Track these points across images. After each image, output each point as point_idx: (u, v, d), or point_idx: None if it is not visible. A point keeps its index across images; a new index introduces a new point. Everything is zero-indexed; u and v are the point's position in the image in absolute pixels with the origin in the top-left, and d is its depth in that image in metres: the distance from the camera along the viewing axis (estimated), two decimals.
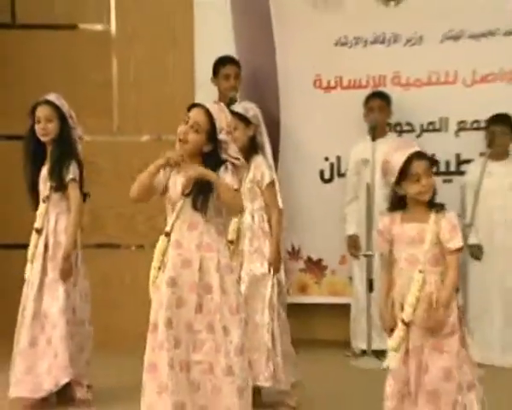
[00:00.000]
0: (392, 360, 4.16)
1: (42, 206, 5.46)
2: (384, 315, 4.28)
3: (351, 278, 6.88)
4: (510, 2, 6.88)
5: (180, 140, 4.10)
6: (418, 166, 4.16)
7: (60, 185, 5.38)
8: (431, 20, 6.79)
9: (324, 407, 5.40)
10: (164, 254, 4.25)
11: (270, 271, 5.39)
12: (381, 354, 6.27)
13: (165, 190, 4.23)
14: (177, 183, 4.16)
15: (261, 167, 5.37)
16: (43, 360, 5.37)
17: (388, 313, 4.26)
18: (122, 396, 5.41)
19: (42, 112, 5.41)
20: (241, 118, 5.37)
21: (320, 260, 6.96)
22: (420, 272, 4.14)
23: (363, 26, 6.89)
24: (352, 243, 6.71)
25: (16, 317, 5.58)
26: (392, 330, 4.21)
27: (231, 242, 5.19)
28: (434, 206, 4.27)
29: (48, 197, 5.44)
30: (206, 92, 6.61)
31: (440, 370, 4.13)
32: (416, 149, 4.32)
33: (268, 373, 5.16)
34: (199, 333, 4.20)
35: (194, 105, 4.21)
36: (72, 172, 5.38)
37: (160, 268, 4.24)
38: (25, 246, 5.49)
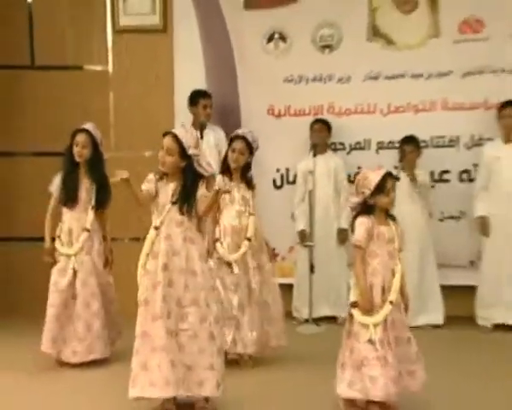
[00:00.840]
0: (375, 333, 4.36)
1: (91, 213, 5.68)
2: (368, 298, 4.43)
3: (295, 263, 7.23)
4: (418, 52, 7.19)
5: (161, 163, 4.47)
6: (390, 183, 4.51)
7: (108, 201, 5.75)
8: (356, 64, 7.24)
9: (277, 360, 5.61)
10: (153, 243, 4.54)
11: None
12: (318, 321, 6.86)
13: (155, 196, 4.52)
14: (167, 192, 4.50)
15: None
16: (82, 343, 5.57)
17: (369, 294, 4.47)
18: (119, 356, 5.57)
19: (80, 138, 5.68)
20: (248, 143, 5.70)
21: (273, 250, 7.02)
22: (398, 265, 4.49)
23: (304, 67, 7.30)
24: (302, 237, 7.04)
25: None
26: (369, 309, 4.43)
27: (249, 239, 5.56)
28: (389, 215, 4.64)
29: (91, 209, 5.67)
30: (183, 117, 6.96)
31: (405, 337, 4.46)
32: (387, 170, 4.67)
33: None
34: (186, 307, 4.47)
35: (165, 133, 4.54)
36: (108, 196, 5.77)
37: (148, 255, 4.52)
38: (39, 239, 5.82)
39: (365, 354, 4.31)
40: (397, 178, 4.66)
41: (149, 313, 4.42)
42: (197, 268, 4.51)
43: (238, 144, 5.66)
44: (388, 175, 4.51)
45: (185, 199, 4.47)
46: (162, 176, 4.53)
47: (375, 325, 4.32)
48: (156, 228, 4.49)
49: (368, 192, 4.47)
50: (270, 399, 4.86)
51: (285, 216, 7.23)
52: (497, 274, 6.78)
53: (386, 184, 4.46)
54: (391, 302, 4.35)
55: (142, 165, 6.90)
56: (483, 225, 6.86)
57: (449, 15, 7.17)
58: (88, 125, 5.78)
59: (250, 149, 5.71)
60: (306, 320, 6.87)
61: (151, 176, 4.59)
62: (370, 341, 4.31)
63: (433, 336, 6.54)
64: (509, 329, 6.67)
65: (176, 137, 4.41)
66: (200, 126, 6.65)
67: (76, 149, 5.63)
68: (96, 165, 5.76)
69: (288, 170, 7.40)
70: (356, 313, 4.42)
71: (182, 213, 4.46)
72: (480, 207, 6.88)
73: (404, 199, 6.55)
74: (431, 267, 6.91)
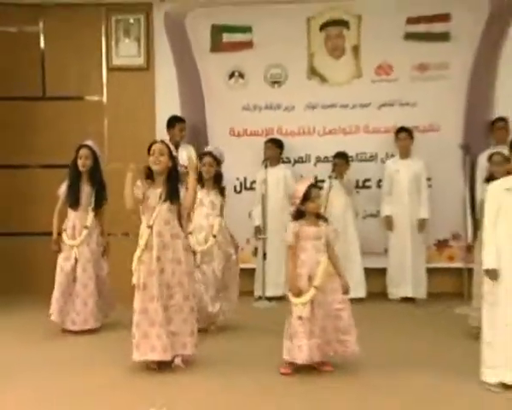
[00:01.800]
0: (303, 311, 4.57)
1: (91, 213, 5.91)
2: (295, 284, 4.63)
3: (253, 253, 7.50)
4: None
5: (156, 163, 4.68)
6: (314, 192, 4.74)
7: (104, 202, 6.03)
8: (298, 97, 7.60)
9: (237, 328, 5.86)
10: (147, 239, 4.71)
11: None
12: (271, 299, 7.00)
13: (142, 200, 4.73)
14: (156, 196, 4.71)
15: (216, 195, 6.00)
16: (80, 314, 5.79)
17: (297, 281, 4.65)
18: (116, 327, 5.87)
19: (83, 152, 5.93)
20: (215, 158, 5.92)
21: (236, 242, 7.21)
22: (324, 257, 4.65)
23: (258, 98, 7.65)
24: (258, 231, 7.29)
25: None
26: (299, 293, 4.62)
27: (214, 236, 5.76)
28: (320, 217, 4.82)
29: (89, 209, 5.90)
30: (163, 137, 6.55)
31: (333, 314, 4.65)
32: (312, 181, 4.98)
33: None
34: (173, 288, 4.72)
35: (154, 142, 4.81)
36: (104, 198, 6.03)
37: (143, 250, 4.70)
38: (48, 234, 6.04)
39: (295, 328, 4.57)
40: (320, 188, 4.95)
41: (147, 295, 4.67)
42: (182, 258, 4.77)
43: (207, 159, 5.87)
44: (312, 185, 4.80)
45: (173, 192, 4.72)
46: (149, 180, 4.75)
47: (303, 305, 4.57)
48: (149, 226, 4.70)
49: (298, 201, 4.75)
50: (230, 356, 5.07)
51: (244, 215, 7.45)
52: (401, 259, 7.12)
53: (310, 192, 4.72)
54: (315, 287, 4.59)
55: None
56: (388, 223, 7.24)
57: (368, 61, 7.55)
58: (89, 142, 6.03)
59: (217, 161, 5.94)
60: (260, 297, 7.09)
61: (139, 183, 4.78)
62: (300, 317, 4.57)
63: (357, 307, 6.69)
64: (412, 301, 7.05)
65: (164, 143, 4.82)
66: (175, 144, 6.56)
67: (80, 161, 5.88)
68: (95, 173, 5.97)
69: (245, 178, 7.66)
70: (289, 295, 4.67)
71: (172, 203, 4.70)
72: (385, 208, 7.26)
73: (335, 201, 7.03)
74: (356, 254, 7.20)
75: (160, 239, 4.71)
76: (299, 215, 4.78)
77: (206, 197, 5.90)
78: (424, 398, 4.15)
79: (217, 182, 5.95)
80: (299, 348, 4.54)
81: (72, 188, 5.91)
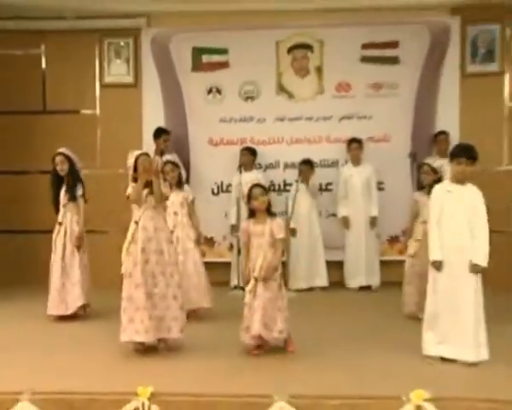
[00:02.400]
0: (248, 298, 4.75)
1: (62, 209, 6.00)
2: (246, 275, 4.84)
3: (229, 248, 7.60)
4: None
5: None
6: (255, 191, 4.78)
7: (73, 198, 6.01)
8: (269, 110, 7.74)
9: (214, 313, 5.89)
10: (134, 233, 4.80)
11: (195, 245, 5.99)
12: (244, 289, 6.73)
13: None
14: (144, 194, 4.81)
15: (187, 192, 6.08)
16: (70, 294, 5.95)
17: (247, 273, 4.81)
18: (108, 313, 5.84)
19: (58, 159, 6.03)
20: (175, 164, 6.08)
21: (212, 238, 7.68)
22: (265, 251, 4.69)
23: (233, 112, 7.79)
24: (233, 229, 7.32)
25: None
26: (247, 282, 4.80)
27: (172, 231, 5.59)
28: (270, 214, 4.84)
29: (65, 205, 6.01)
30: (149, 147, 7.05)
31: (267, 299, 4.71)
32: (254, 182, 4.95)
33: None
34: (157, 277, 4.78)
35: (142, 154, 4.85)
36: (79, 191, 6.03)
37: (131, 242, 4.79)
38: (48, 231, 6.16)
39: (245, 312, 4.73)
40: (263, 187, 4.83)
41: (133, 282, 4.74)
42: (164, 249, 4.84)
43: (168, 167, 5.96)
44: (254, 186, 4.85)
45: (158, 192, 4.82)
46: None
47: (249, 292, 4.72)
48: (136, 222, 4.81)
49: (245, 200, 4.91)
50: (210, 340, 5.17)
51: (221, 214, 7.60)
52: (356, 253, 7.34)
53: (252, 192, 4.80)
54: (254, 278, 4.69)
55: (119, 178, 7.13)
56: (345, 222, 7.42)
57: (329, 80, 7.75)
58: (62, 149, 6.07)
59: (177, 166, 6.07)
60: (236, 287, 7.15)
61: (133, 184, 4.85)
62: (245, 303, 4.74)
63: (321, 294, 7.16)
64: (367, 289, 7.28)
65: (147, 154, 4.93)
66: (160, 152, 6.98)
67: (58, 167, 5.99)
68: (73, 174, 6.01)
69: (222, 182, 7.75)
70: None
71: (156, 200, 4.80)
72: (341, 210, 7.44)
73: (302, 202, 7.23)
74: (320, 248, 7.40)
75: (145, 233, 4.78)
76: (250, 214, 4.86)
77: (174, 197, 5.93)
78: (374, 372, 4.31)
79: (178, 185, 6.04)
80: (248, 328, 4.68)
81: (52, 193, 6.07)
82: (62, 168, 6.01)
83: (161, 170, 5.55)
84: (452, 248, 4.51)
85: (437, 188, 4.72)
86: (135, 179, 4.84)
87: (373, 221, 7.33)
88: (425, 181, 5.85)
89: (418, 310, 5.58)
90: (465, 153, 4.58)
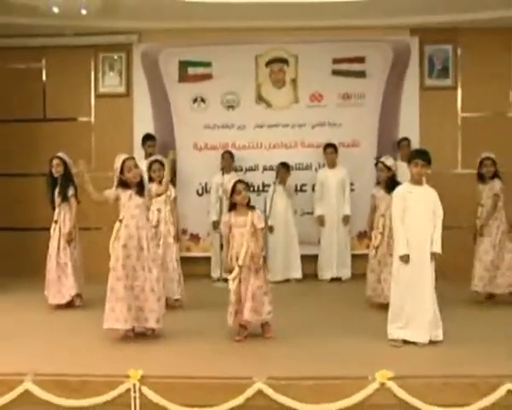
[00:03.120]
0: (232, 285, 4.76)
1: (57, 209, 6.04)
2: (228, 263, 4.84)
3: (211, 243, 7.54)
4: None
5: (134, 177, 4.75)
6: (239, 186, 4.81)
7: (65, 198, 6.02)
8: (249, 118, 7.72)
9: (198, 302, 5.97)
10: (118, 231, 4.81)
11: (174, 240, 5.96)
12: (225, 281, 6.58)
13: (115, 200, 4.84)
14: (127, 196, 4.78)
15: (171, 190, 5.99)
16: (65, 285, 6.00)
17: (229, 261, 4.80)
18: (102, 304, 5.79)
19: (54, 162, 6.04)
20: (162, 163, 5.84)
21: (197, 234, 7.71)
22: (247, 241, 4.73)
23: (216, 119, 7.76)
24: (215, 225, 7.26)
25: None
26: (230, 271, 4.79)
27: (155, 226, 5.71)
28: (250, 207, 4.86)
29: (60, 205, 6.03)
30: (139, 151, 7.26)
31: (256, 287, 4.75)
32: (238, 179, 5.01)
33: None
34: (138, 271, 4.78)
35: (128, 158, 4.81)
36: (70, 191, 6.01)
37: (115, 239, 4.80)
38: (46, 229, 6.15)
39: (230, 297, 4.74)
40: (245, 183, 4.88)
41: (115, 276, 4.74)
42: (144, 246, 4.81)
43: (155, 166, 5.87)
44: (238, 181, 4.88)
45: (140, 192, 4.80)
46: (122, 186, 4.81)
47: (233, 280, 4.74)
48: (120, 221, 4.82)
49: (228, 195, 4.92)
50: (194, 327, 5.15)
51: (205, 213, 7.54)
52: (329, 248, 7.37)
53: (236, 187, 4.82)
54: (239, 266, 4.71)
55: (110, 180, 6.96)
56: (320, 221, 7.45)
57: (303, 90, 7.80)
58: (60, 153, 6.08)
59: (163, 165, 5.79)
60: (218, 279, 7.13)
61: (113, 189, 4.86)
62: (230, 290, 4.76)
63: (296, 285, 7.19)
64: (338, 280, 7.32)
65: (133, 158, 4.93)
66: (148, 156, 6.82)
67: (53, 169, 6.00)
68: (66, 177, 6.02)
69: (206, 183, 7.72)
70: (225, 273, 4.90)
71: (142, 196, 4.79)
72: (318, 210, 7.46)
73: (278, 202, 7.25)
74: (295, 243, 7.41)
75: (127, 230, 4.77)
76: (232, 207, 4.87)
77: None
78: (344, 355, 4.36)
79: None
80: (230, 314, 4.73)
81: (48, 193, 6.07)
82: (57, 170, 6.02)
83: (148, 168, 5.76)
84: (414, 243, 4.61)
85: (399, 190, 4.81)
86: (121, 181, 4.83)
87: (346, 219, 7.38)
88: (380, 177, 5.93)
89: (375, 296, 5.78)
90: (420, 156, 4.73)
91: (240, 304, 4.73)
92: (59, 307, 5.90)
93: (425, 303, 4.55)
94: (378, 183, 6.05)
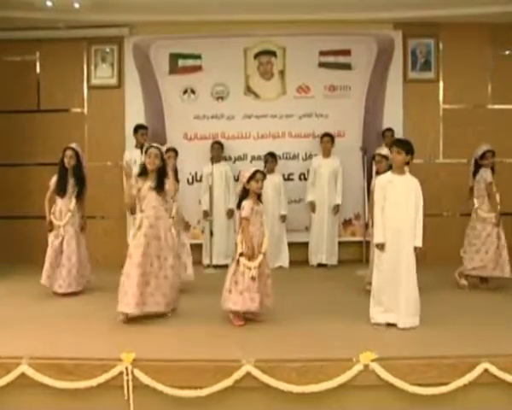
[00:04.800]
0: (254, 272, 4.65)
1: (73, 200, 5.93)
2: (251, 249, 4.65)
3: (202, 231, 7.55)
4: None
5: (153, 163, 4.84)
6: (259, 176, 4.70)
7: (81, 194, 6.00)
8: (237, 109, 7.73)
9: (190, 287, 5.87)
10: (141, 222, 4.89)
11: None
12: (217, 267, 7.02)
13: (138, 193, 4.93)
14: (146, 187, 4.88)
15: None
16: (63, 279, 5.80)
17: (248, 249, 4.64)
18: (97, 290, 5.96)
19: (68, 152, 5.94)
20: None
21: (188, 222, 7.48)
22: (266, 229, 4.77)
23: (206, 110, 7.73)
24: (205, 213, 7.33)
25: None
26: (252, 256, 4.65)
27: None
28: (259, 198, 4.81)
29: (71, 196, 5.92)
30: (131, 141, 7.35)
31: (267, 274, 4.77)
32: (257, 168, 4.86)
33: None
34: (153, 259, 4.87)
35: (150, 147, 4.92)
36: (83, 187, 6.02)
37: (138, 228, 4.88)
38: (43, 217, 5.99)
39: (248, 285, 4.64)
40: (264, 174, 4.79)
41: (133, 263, 4.80)
42: (162, 235, 4.93)
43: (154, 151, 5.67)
44: (258, 171, 4.77)
45: (162, 185, 4.91)
46: (143, 175, 4.90)
47: (255, 268, 4.67)
48: (142, 211, 4.91)
49: (244, 180, 4.72)
50: (189, 311, 5.14)
51: (195, 201, 7.52)
52: (319, 234, 7.41)
53: (256, 175, 4.72)
54: (263, 253, 4.72)
55: (105, 170, 7.59)
56: (312, 206, 7.46)
57: (291, 82, 7.79)
58: (73, 144, 6.04)
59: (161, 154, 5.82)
60: (208, 265, 7.20)
61: (133, 181, 4.98)
62: (253, 277, 4.64)
63: (284, 271, 7.21)
64: (324, 266, 7.33)
65: (159, 149, 4.98)
66: (140, 146, 6.95)
67: (66, 160, 5.93)
68: (78, 169, 5.99)
69: (196, 173, 7.71)
70: (242, 259, 4.67)
71: (159, 194, 4.88)
72: (309, 196, 7.48)
73: (268, 191, 7.16)
74: (283, 231, 7.47)
75: (148, 220, 4.87)
76: (244, 194, 4.77)
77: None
78: (329, 338, 4.39)
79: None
80: (252, 300, 4.64)
81: (60, 181, 5.95)
82: (70, 162, 5.93)
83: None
84: (394, 231, 4.62)
85: (380, 179, 4.83)
86: (144, 168, 4.88)
87: (336, 208, 7.40)
88: (380, 168, 5.88)
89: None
90: (395, 143, 4.80)
91: (259, 292, 4.67)
92: (55, 293, 5.81)
93: (403, 290, 4.55)
94: (377, 173, 5.93)
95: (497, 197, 5.94)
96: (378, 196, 4.70)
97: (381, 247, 4.62)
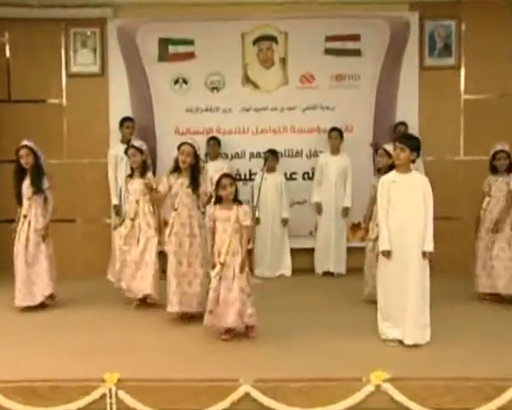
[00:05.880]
0: (213, 282, 4.79)
1: (27, 202, 5.91)
2: (212, 260, 4.87)
3: None
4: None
5: (183, 162, 5.18)
6: (226, 181, 4.81)
7: (38, 191, 5.92)
8: (234, 101, 7.72)
9: None
10: (173, 220, 5.22)
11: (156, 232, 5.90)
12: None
13: (169, 191, 5.31)
14: (178, 184, 5.20)
15: (149, 178, 5.91)
16: (37, 284, 5.90)
17: (212, 257, 4.87)
18: (74, 303, 6.10)
19: (23, 151, 5.90)
20: (138, 149, 5.99)
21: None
22: (230, 237, 4.77)
23: (200, 102, 7.75)
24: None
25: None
26: (214, 267, 4.83)
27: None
28: (236, 201, 4.89)
29: (30, 198, 5.91)
30: (116, 136, 7.38)
31: (239, 289, 4.76)
32: (225, 171, 4.98)
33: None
34: (184, 258, 5.19)
35: (183, 144, 5.26)
36: (46, 183, 5.95)
37: (171, 227, 5.22)
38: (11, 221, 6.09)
39: (210, 295, 4.79)
40: (233, 178, 4.90)
41: (169, 262, 5.17)
42: (197, 233, 5.27)
43: (130, 151, 6.02)
44: (224, 175, 4.87)
45: (196, 184, 5.19)
46: (175, 172, 5.25)
47: (214, 277, 4.79)
48: (175, 209, 5.23)
49: (213, 188, 4.94)
50: (173, 324, 5.20)
51: None
52: (326, 239, 7.40)
53: (221, 181, 4.83)
54: (220, 263, 4.77)
55: (85, 168, 7.55)
56: (318, 208, 7.46)
57: (293, 71, 7.74)
58: (26, 141, 5.93)
59: (141, 152, 5.99)
60: None
61: (164, 178, 5.35)
62: (212, 288, 4.79)
63: (285, 280, 7.26)
64: (331, 274, 7.33)
65: (191, 145, 5.28)
66: (127, 141, 6.93)
67: (22, 160, 5.88)
68: (37, 167, 5.91)
69: None
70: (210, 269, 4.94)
71: (194, 192, 5.21)
72: (315, 196, 7.48)
73: (267, 191, 7.25)
74: (284, 237, 7.50)
75: (180, 220, 5.22)
76: (217, 200, 4.92)
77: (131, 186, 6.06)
78: (336, 354, 4.41)
79: (145, 169, 6.03)
80: (206, 313, 4.78)
81: (15, 186, 5.97)
82: (27, 161, 5.91)
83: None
84: (399, 236, 4.63)
85: (383, 179, 4.83)
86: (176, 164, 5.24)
87: (345, 211, 7.43)
88: (379, 164, 5.94)
89: (376, 293, 5.68)
90: (400, 139, 4.78)
91: (217, 304, 4.76)
92: (29, 308, 5.80)
93: (411, 302, 4.56)
94: (379, 170, 6.02)
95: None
96: (381, 198, 4.72)
97: (387, 255, 4.63)
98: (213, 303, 4.77)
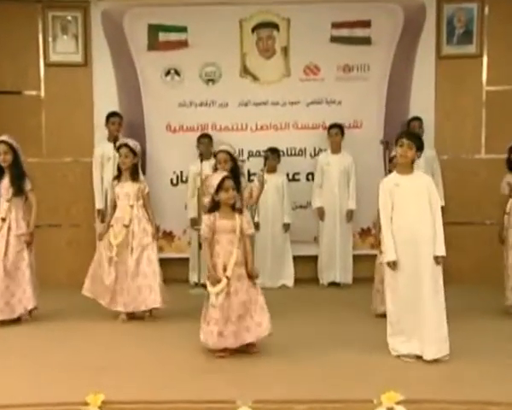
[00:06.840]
0: (217, 300, 4.71)
1: (6, 204, 5.86)
2: (213, 274, 4.77)
3: (189, 243, 7.61)
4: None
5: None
6: (228, 184, 4.80)
7: (19, 192, 5.89)
8: (232, 94, 7.67)
9: (173, 312, 5.95)
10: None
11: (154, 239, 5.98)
12: (204, 287, 6.68)
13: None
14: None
15: (144, 182, 6.08)
16: (16, 296, 5.82)
17: (214, 271, 4.77)
18: (56, 316, 6.06)
19: (1, 148, 5.85)
20: (132, 150, 5.96)
21: (171, 232, 7.73)
22: (236, 249, 4.74)
23: (194, 95, 7.76)
24: (193, 222, 7.35)
25: None
26: (216, 282, 4.72)
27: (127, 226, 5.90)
28: (235, 209, 4.89)
29: (10, 200, 5.86)
30: (101, 132, 7.43)
31: (242, 303, 4.74)
32: (226, 174, 4.95)
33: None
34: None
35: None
36: (28, 185, 5.92)
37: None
38: None
39: (211, 315, 4.73)
40: (236, 181, 5.05)
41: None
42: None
43: (123, 150, 5.99)
44: (226, 177, 4.88)
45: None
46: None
47: (217, 294, 4.73)
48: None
49: (212, 191, 4.84)
50: (169, 339, 5.23)
51: (180, 206, 7.59)
52: (331, 247, 7.43)
53: (224, 183, 4.82)
54: (227, 277, 4.73)
55: (66, 168, 7.58)
56: (320, 214, 7.49)
57: (296, 62, 7.76)
58: (4, 137, 5.91)
59: (134, 153, 6.00)
60: (196, 284, 7.24)
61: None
62: (213, 305, 4.72)
63: (288, 291, 7.32)
64: (337, 285, 7.36)
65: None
66: (114, 139, 6.99)
67: (0, 158, 5.86)
68: (16, 166, 5.89)
69: (181, 172, 7.75)
70: (208, 284, 4.81)
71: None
72: (316, 200, 7.51)
73: (268, 193, 7.17)
74: (286, 243, 7.52)
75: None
76: (214, 207, 4.88)
77: (121, 190, 6.05)
78: (344, 373, 4.36)
79: (133, 173, 6.04)
80: (213, 335, 4.72)
81: None
82: (6, 159, 5.89)
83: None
84: (408, 245, 4.60)
85: (384, 182, 4.80)
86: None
87: (349, 214, 7.46)
88: (393, 168, 5.87)
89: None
90: (405, 135, 4.75)
91: (226, 324, 4.73)
92: (5, 322, 5.75)
93: (425, 314, 4.55)
94: (389, 171, 5.93)
95: None
96: (384, 203, 4.70)
97: (393, 266, 4.62)
98: (222, 323, 4.72)
